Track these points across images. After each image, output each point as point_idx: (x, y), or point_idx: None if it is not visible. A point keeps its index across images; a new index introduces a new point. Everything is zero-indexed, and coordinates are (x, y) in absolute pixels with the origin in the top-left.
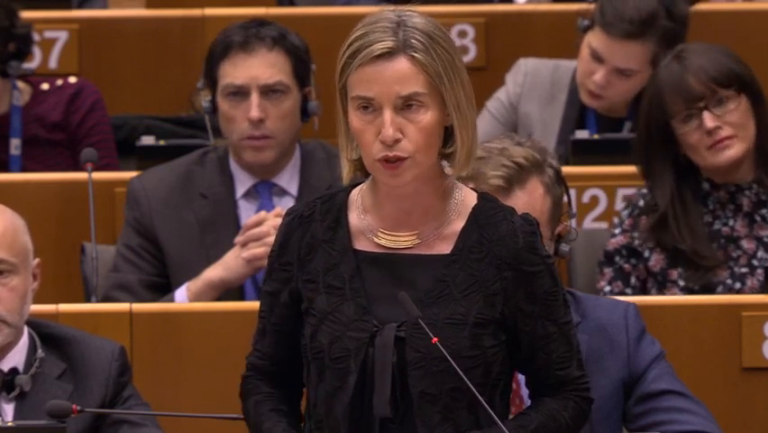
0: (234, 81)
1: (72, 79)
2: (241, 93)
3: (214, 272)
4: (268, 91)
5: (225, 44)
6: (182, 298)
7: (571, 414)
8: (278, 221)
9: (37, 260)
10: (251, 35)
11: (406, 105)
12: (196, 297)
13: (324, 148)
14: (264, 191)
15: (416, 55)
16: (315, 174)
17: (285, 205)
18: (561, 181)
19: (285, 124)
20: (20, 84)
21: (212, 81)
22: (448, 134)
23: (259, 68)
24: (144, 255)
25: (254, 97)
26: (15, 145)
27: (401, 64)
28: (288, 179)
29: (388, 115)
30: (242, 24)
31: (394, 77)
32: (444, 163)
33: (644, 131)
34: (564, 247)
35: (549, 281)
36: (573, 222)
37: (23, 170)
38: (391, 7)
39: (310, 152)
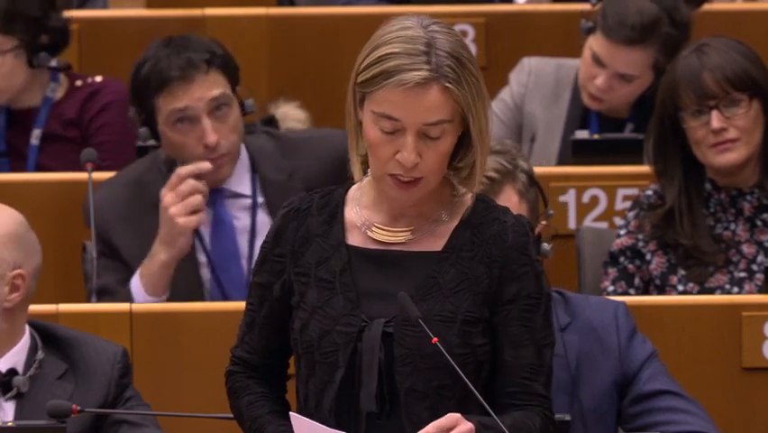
0: (178, 105)
1: (98, 78)
2: (187, 118)
3: (160, 255)
4: (214, 109)
5: (161, 79)
6: (137, 288)
7: (540, 426)
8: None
9: (17, 271)
10: (184, 66)
11: (429, 130)
12: (151, 283)
13: (270, 136)
14: (217, 197)
15: (448, 85)
16: (271, 167)
17: (239, 206)
18: (534, 183)
19: (235, 135)
20: (62, 78)
21: (148, 111)
22: (457, 145)
23: (201, 92)
24: (117, 257)
25: (206, 122)
26: (36, 135)
27: (433, 94)
28: (238, 181)
29: (411, 139)
30: (167, 51)
31: (424, 105)
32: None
33: (658, 120)
34: (545, 247)
35: (532, 285)
36: (573, 221)
37: (40, 164)
38: (402, 8)
39: (258, 148)
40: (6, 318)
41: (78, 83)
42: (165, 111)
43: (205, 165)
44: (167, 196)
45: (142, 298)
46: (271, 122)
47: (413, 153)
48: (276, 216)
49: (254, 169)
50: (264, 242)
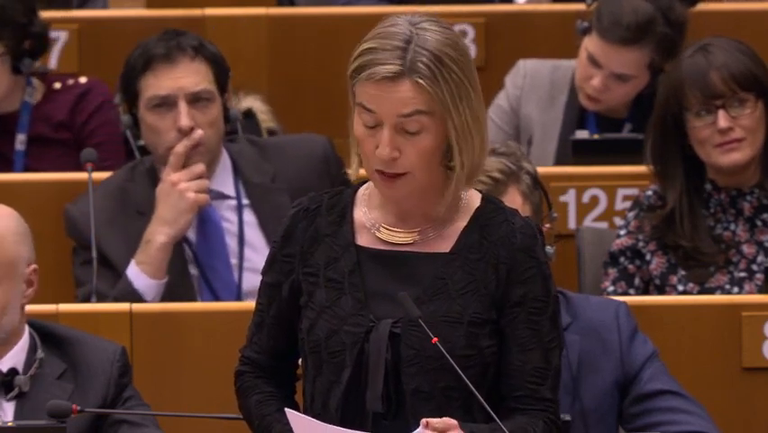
0: (159, 92)
1: (82, 79)
2: (166, 103)
3: (159, 236)
4: (194, 100)
5: (146, 57)
6: (135, 274)
7: (542, 431)
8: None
9: (32, 266)
10: (171, 46)
11: (406, 123)
12: (152, 267)
13: (251, 142)
14: None
15: (420, 81)
16: (254, 171)
17: (226, 207)
18: (538, 185)
19: (213, 130)
20: (35, 82)
21: (132, 95)
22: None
23: (183, 77)
24: (105, 263)
25: (182, 106)
26: (21, 141)
27: (404, 87)
28: (223, 183)
29: (386, 134)
30: (159, 37)
31: (396, 98)
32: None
33: (659, 120)
34: (548, 249)
35: (539, 288)
36: (573, 221)
37: (28, 168)
38: (402, 8)
39: (239, 152)
40: (22, 315)
41: (57, 85)
42: (146, 95)
43: (199, 132)
44: (174, 175)
45: (143, 282)
46: (249, 115)
47: (387, 147)
48: (262, 216)
49: (236, 172)
50: (273, 242)
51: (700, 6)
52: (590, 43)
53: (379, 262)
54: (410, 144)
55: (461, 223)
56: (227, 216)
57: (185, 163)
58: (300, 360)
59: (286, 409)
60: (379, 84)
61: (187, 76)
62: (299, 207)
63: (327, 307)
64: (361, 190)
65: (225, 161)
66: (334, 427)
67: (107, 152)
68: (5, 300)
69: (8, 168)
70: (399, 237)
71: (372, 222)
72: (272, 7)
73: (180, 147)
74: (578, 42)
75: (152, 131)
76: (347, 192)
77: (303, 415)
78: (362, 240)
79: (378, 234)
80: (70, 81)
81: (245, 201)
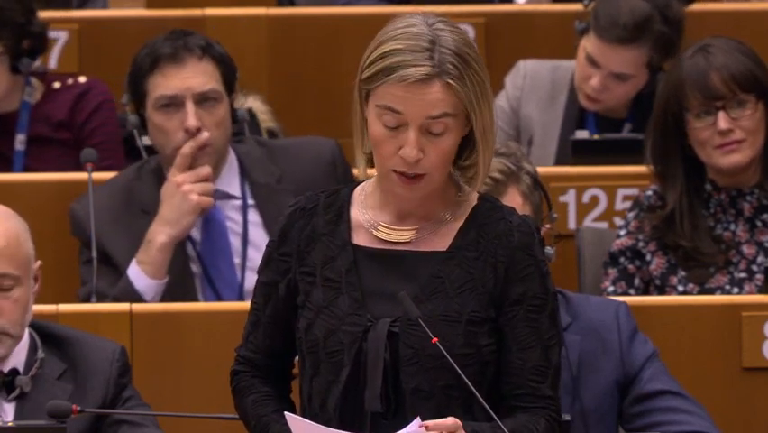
0: (167, 92)
1: (82, 79)
2: (174, 104)
3: (160, 236)
4: (201, 100)
5: (154, 57)
6: (136, 273)
7: (543, 428)
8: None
9: (38, 262)
10: (179, 46)
11: (432, 125)
12: (152, 266)
13: (258, 143)
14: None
15: (450, 82)
16: (260, 171)
17: (230, 207)
18: (538, 185)
19: (220, 130)
20: (34, 81)
21: (139, 96)
22: (463, 145)
23: (191, 77)
24: (108, 261)
25: (190, 107)
26: (20, 141)
27: (435, 89)
28: (229, 183)
29: (413, 134)
30: (166, 36)
31: (427, 100)
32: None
33: (660, 120)
34: (549, 250)
35: (537, 286)
36: (573, 221)
37: (27, 168)
38: (402, 8)
39: (246, 153)
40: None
41: (56, 85)
42: (153, 95)
43: (205, 134)
44: (179, 176)
45: (144, 282)
46: (249, 115)
47: (415, 148)
48: (267, 217)
49: (243, 172)
50: (270, 241)
51: (700, 6)
52: (588, 43)
53: (376, 260)
54: (433, 145)
55: (459, 221)
56: (232, 215)
57: (191, 164)
58: (297, 359)
59: (285, 413)
60: (410, 86)
61: (195, 76)
62: (296, 207)
63: (325, 306)
64: (358, 190)
65: (232, 162)
66: (334, 430)
67: (107, 152)
68: (27, 298)
69: (8, 168)
70: (396, 236)
71: (370, 221)
72: (272, 7)
73: (187, 148)
74: (577, 42)
75: (160, 131)
76: (344, 191)
77: (302, 418)
78: (359, 239)
79: (375, 232)
80: (70, 81)
81: (250, 201)
